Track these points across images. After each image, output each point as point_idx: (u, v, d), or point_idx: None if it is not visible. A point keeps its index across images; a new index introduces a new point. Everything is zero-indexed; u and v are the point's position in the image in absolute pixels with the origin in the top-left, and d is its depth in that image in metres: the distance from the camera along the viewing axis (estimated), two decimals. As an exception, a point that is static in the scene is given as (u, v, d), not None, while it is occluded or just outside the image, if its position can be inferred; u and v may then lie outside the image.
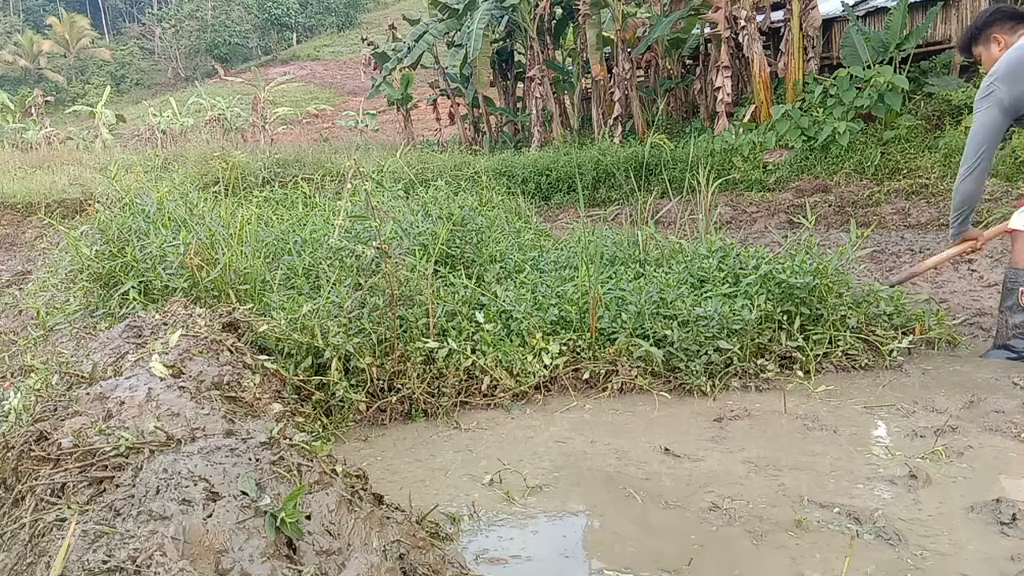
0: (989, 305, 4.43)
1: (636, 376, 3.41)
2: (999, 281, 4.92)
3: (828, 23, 12.16)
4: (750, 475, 2.52)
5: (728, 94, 11.59)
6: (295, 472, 1.75)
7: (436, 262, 4.03)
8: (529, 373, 3.41)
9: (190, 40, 56.58)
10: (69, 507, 1.52)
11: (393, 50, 17.80)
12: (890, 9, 10.89)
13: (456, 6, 15.91)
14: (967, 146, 3.55)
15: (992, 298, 4.61)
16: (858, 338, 3.61)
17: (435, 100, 20.36)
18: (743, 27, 11.18)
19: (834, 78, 10.31)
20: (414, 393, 3.25)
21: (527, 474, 2.64)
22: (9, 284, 6.99)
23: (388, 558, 1.69)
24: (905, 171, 8.92)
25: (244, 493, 1.57)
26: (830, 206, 8.55)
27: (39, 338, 3.74)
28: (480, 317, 3.56)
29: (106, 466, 1.67)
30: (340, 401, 3.15)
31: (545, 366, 3.44)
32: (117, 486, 1.59)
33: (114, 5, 69.76)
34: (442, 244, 4.18)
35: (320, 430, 2.96)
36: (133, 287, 3.58)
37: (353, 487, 1.89)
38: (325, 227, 4.73)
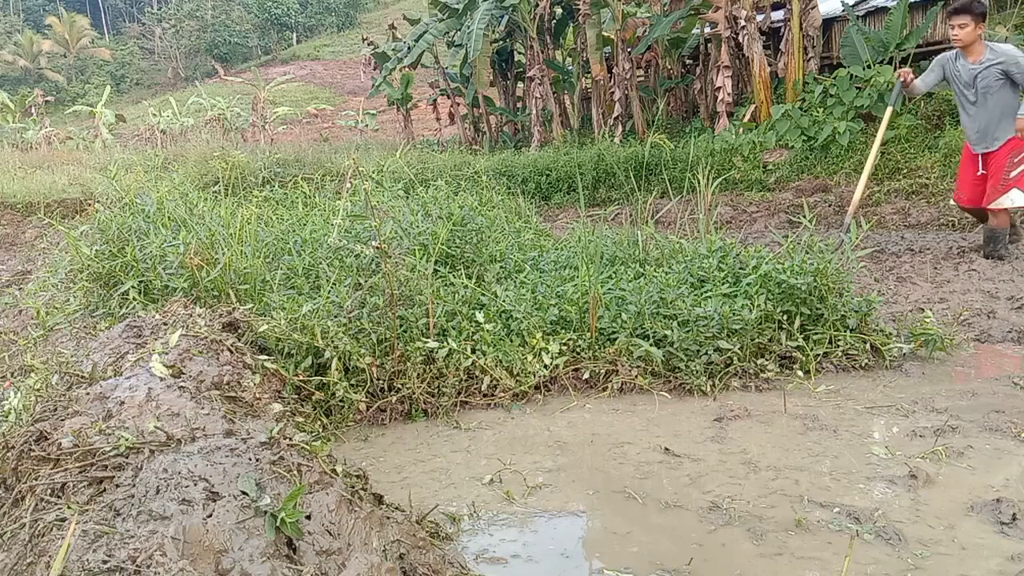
0: (989, 306, 4.43)
1: (636, 376, 3.40)
2: (999, 279, 4.92)
3: (828, 23, 12.15)
4: (750, 475, 2.52)
5: (728, 94, 11.58)
6: (295, 472, 1.75)
7: (436, 262, 4.03)
8: (529, 373, 3.41)
9: (190, 40, 56.56)
10: (69, 507, 1.52)
11: (393, 50, 17.80)
12: (890, 9, 10.88)
13: (456, 6, 15.90)
14: None
15: (992, 298, 4.61)
16: (858, 338, 3.61)
17: (435, 100, 20.35)
18: (743, 27, 11.16)
19: (834, 78, 10.30)
20: (414, 393, 3.25)
21: (527, 474, 2.64)
22: (9, 284, 6.99)
23: (388, 558, 1.69)
24: (905, 171, 8.92)
25: (244, 493, 1.57)
26: (830, 206, 8.55)
27: (39, 338, 3.74)
28: (480, 317, 3.56)
29: (106, 466, 1.67)
30: (340, 401, 3.14)
31: (545, 366, 3.44)
32: (117, 486, 1.59)
33: (114, 5, 69.72)
34: (442, 244, 4.18)
35: (320, 430, 2.96)
36: (133, 287, 3.58)
37: (353, 487, 1.89)
38: (325, 227, 4.73)
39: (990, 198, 5.48)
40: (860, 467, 2.53)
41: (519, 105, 18.12)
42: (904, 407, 3.04)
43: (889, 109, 5.91)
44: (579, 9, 13.78)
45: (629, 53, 13.58)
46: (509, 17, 15.43)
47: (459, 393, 3.34)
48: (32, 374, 2.84)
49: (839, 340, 3.59)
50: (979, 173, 5.58)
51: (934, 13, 10.59)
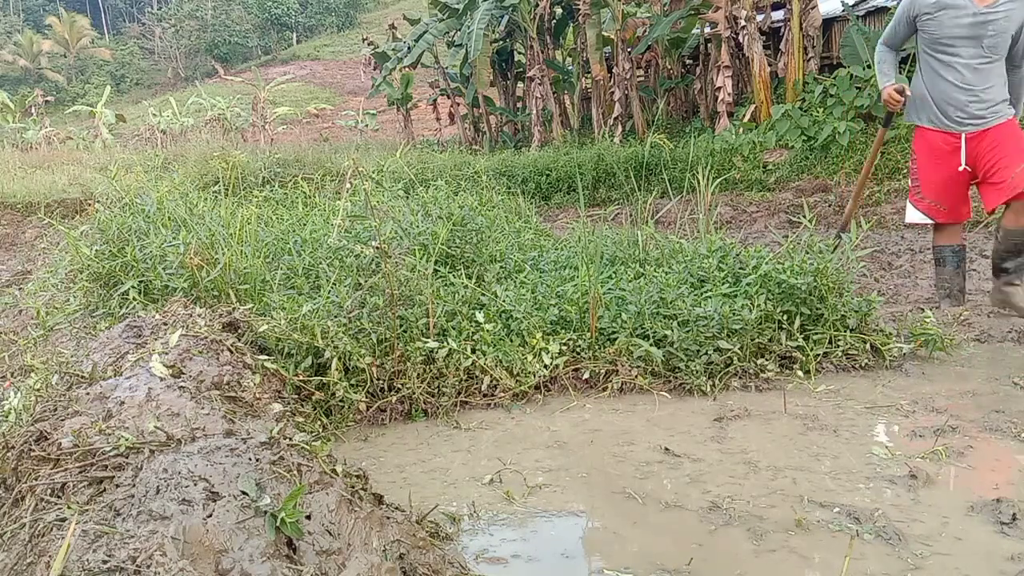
0: (991, 307, 4.43)
1: (636, 376, 3.40)
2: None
3: (828, 23, 12.17)
4: (750, 475, 2.52)
5: (728, 94, 11.59)
6: (295, 472, 1.75)
7: (436, 262, 4.03)
8: (529, 373, 3.41)
9: (190, 40, 56.57)
10: (69, 507, 1.52)
11: (393, 50, 17.81)
12: (890, 9, 10.89)
13: (456, 6, 15.91)
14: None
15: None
16: (858, 338, 3.61)
17: (435, 100, 20.39)
18: (743, 27, 11.18)
19: (834, 78, 10.31)
20: (414, 393, 3.25)
21: (527, 474, 2.64)
22: (9, 284, 6.99)
23: (388, 558, 1.69)
24: (905, 171, 8.92)
25: (244, 493, 1.57)
26: (830, 206, 8.55)
27: (39, 338, 3.74)
28: (480, 317, 3.56)
29: (106, 466, 1.66)
30: (340, 401, 3.14)
31: (545, 366, 3.44)
32: (117, 486, 1.59)
33: (114, 5, 69.71)
34: (442, 244, 4.18)
35: (320, 430, 2.96)
36: (133, 287, 3.58)
37: (353, 487, 1.89)
38: (325, 227, 4.73)
39: (1018, 181, 3.93)
40: (860, 467, 2.53)
41: (519, 105, 18.14)
42: (904, 407, 3.04)
43: (882, 131, 4.90)
44: (579, 9, 13.79)
45: (629, 53, 13.59)
46: (509, 17, 15.44)
47: (459, 393, 3.34)
48: (32, 374, 2.84)
49: (839, 340, 3.59)
50: (961, 168, 4.19)
51: (934, 13, 10.57)
